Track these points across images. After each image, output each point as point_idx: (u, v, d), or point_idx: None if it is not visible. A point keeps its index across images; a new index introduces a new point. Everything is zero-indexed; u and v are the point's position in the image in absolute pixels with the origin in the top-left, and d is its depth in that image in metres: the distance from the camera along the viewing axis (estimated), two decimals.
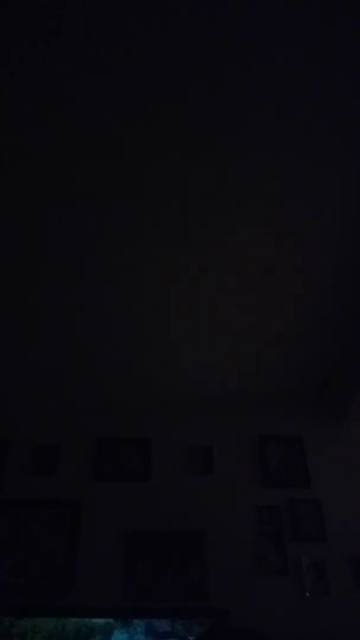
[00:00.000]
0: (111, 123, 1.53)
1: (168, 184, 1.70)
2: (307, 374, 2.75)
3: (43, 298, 2.17)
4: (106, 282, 2.10)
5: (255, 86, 1.44)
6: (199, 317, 2.29)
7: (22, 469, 2.59)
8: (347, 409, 2.64)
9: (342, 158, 1.65)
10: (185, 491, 2.51)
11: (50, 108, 1.48)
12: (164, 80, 1.43)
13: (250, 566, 2.26)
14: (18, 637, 2.13)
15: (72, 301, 2.20)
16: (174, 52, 1.36)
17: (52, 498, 2.47)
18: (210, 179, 1.69)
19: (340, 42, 1.36)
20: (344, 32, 1.33)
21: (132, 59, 1.38)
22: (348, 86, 1.45)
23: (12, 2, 1.25)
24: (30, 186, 1.70)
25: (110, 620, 2.19)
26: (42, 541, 2.33)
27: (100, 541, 2.34)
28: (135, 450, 2.66)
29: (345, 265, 2.05)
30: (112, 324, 2.33)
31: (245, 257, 2.00)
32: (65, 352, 2.49)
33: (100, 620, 2.19)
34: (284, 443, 2.68)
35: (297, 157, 1.64)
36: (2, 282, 2.09)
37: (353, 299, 2.22)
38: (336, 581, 2.21)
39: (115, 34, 1.32)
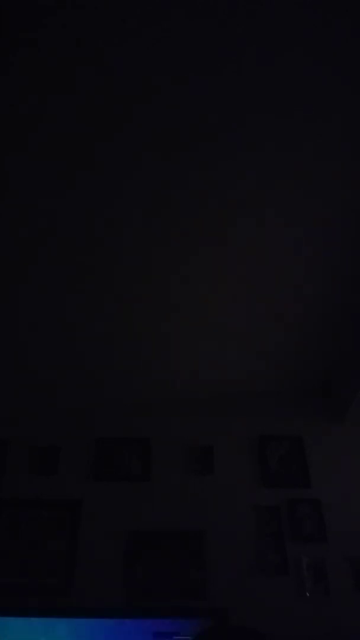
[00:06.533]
0: (110, 122, 1.53)
1: (167, 181, 1.70)
2: (307, 374, 2.75)
3: (42, 298, 2.17)
4: (105, 282, 2.10)
5: (255, 83, 1.44)
6: (199, 317, 2.29)
7: (22, 469, 2.59)
8: (347, 409, 2.64)
9: (341, 155, 1.65)
10: (185, 491, 2.50)
11: (48, 101, 1.49)
12: (164, 79, 1.43)
13: (250, 566, 2.26)
14: None
15: (72, 302, 2.20)
16: (173, 51, 1.37)
17: (52, 498, 2.47)
18: (210, 177, 1.69)
19: (340, 42, 1.36)
20: (344, 32, 1.34)
21: (132, 56, 1.38)
22: (348, 80, 1.46)
23: None
24: (26, 182, 1.70)
25: None
26: (42, 541, 2.32)
27: (100, 541, 2.34)
28: (135, 450, 2.65)
29: (345, 265, 2.05)
30: (111, 325, 2.33)
31: (246, 257, 2.00)
32: (65, 352, 2.49)
33: None
34: (284, 443, 2.67)
35: (297, 154, 1.64)
36: (2, 282, 2.09)
37: (353, 299, 2.22)
38: (336, 581, 2.20)
39: (114, 34, 1.33)
